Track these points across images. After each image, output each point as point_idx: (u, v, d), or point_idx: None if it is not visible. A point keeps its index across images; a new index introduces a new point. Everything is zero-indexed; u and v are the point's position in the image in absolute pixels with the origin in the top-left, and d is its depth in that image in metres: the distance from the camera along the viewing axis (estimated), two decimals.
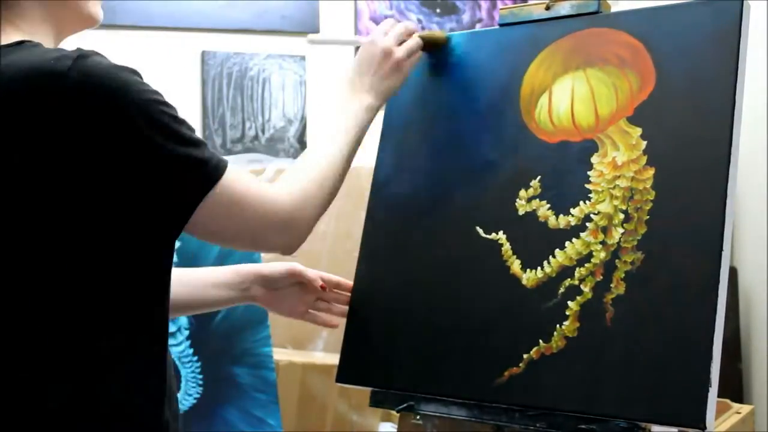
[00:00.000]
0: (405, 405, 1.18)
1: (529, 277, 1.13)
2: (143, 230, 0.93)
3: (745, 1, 1.07)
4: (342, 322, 1.28)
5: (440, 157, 1.26)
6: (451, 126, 1.26)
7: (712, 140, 1.05)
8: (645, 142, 1.09)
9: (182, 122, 0.93)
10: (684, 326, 1.00)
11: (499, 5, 3.41)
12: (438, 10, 3.44)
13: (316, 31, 3.30)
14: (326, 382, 2.12)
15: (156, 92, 0.92)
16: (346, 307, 1.28)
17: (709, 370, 0.97)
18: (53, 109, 0.87)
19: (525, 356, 1.10)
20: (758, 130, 2.67)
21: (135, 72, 0.92)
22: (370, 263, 1.28)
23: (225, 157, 0.97)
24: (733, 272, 2.77)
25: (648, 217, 1.07)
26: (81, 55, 0.89)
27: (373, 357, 1.23)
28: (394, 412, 1.22)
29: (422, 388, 1.16)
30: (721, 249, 1.01)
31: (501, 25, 1.27)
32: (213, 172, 0.94)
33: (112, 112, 0.88)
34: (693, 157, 1.06)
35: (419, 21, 3.42)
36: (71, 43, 1.04)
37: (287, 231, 1.01)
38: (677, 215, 1.05)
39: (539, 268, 1.12)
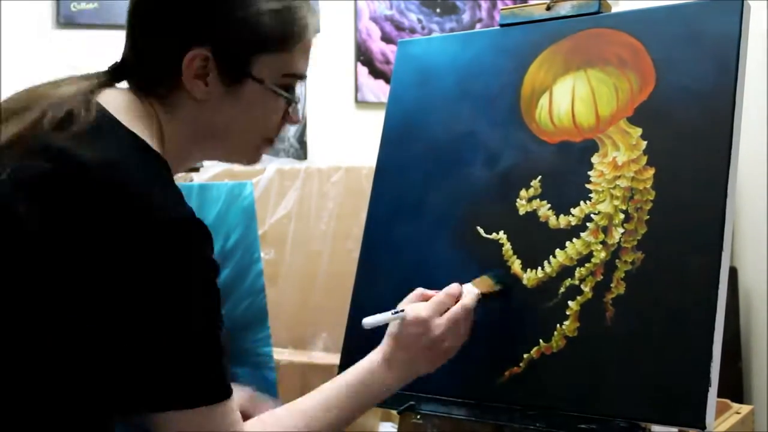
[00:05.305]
0: (405, 405, 1.18)
1: (529, 277, 1.13)
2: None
3: (745, 1, 1.07)
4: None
5: (441, 157, 1.26)
6: (451, 126, 1.27)
7: (712, 140, 1.05)
8: (645, 143, 1.10)
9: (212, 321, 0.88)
10: (684, 326, 1.00)
11: (500, 5, 3.41)
12: (438, 10, 3.44)
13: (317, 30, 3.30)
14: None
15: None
16: None
17: (709, 370, 0.98)
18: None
19: (525, 356, 1.10)
20: (758, 130, 2.66)
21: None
22: (371, 263, 1.28)
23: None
24: (733, 272, 2.77)
25: (648, 217, 1.07)
26: (188, 220, 0.85)
27: None
28: (394, 412, 1.22)
29: (423, 388, 1.16)
30: (721, 249, 1.01)
31: (501, 25, 1.27)
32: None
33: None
34: (693, 157, 1.06)
35: (419, 21, 3.43)
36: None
37: None
38: (677, 215, 1.05)
39: (540, 267, 1.13)
